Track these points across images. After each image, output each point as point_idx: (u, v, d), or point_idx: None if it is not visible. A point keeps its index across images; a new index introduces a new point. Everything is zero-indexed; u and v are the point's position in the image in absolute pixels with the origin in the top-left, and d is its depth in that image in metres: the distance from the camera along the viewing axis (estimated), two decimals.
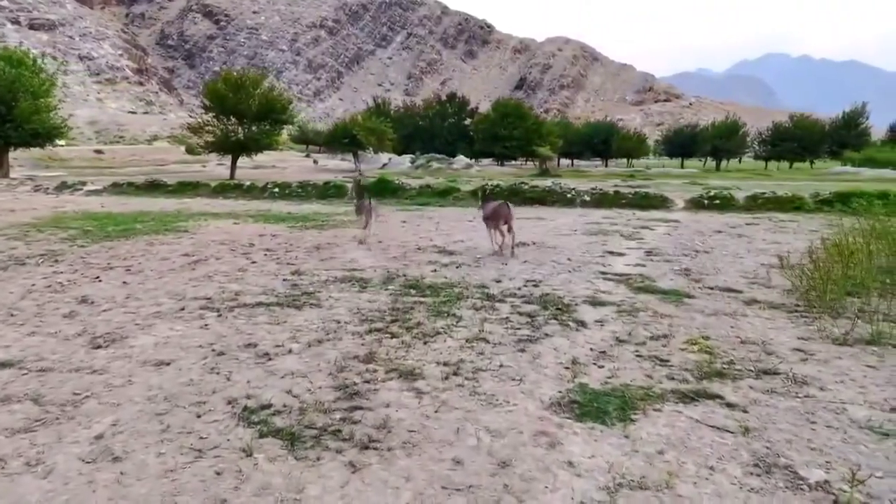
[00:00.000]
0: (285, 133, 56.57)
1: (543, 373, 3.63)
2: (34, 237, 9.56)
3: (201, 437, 2.76)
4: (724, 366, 3.81)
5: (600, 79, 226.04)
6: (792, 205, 15.61)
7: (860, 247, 6.27)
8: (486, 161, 63.16)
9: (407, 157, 51.84)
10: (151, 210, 14.33)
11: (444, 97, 70.43)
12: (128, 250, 8.30)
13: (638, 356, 3.98)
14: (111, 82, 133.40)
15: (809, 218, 14.10)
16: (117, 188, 19.92)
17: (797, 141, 63.63)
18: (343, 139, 47.36)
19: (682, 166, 66.31)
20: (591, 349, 4.11)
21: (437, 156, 49.57)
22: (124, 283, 6.19)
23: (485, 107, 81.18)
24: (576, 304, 5.34)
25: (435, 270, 6.90)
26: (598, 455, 2.66)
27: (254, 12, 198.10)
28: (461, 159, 47.89)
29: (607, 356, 3.97)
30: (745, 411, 3.15)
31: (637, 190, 17.02)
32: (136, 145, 64.89)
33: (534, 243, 9.15)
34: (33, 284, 6.10)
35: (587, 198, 16.66)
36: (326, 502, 2.29)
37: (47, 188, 20.49)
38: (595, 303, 5.42)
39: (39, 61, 31.05)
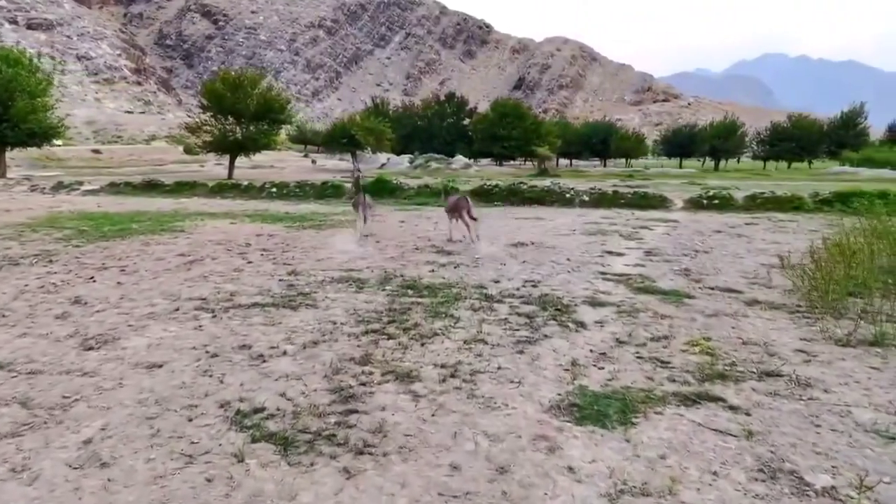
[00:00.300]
0: (283, 133, 56.52)
1: (542, 375, 3.57)
2: (29, 237, 9.48)
3: (192, 442, 2.69)
4: (726, 367, 3.75)
5: (599, 79, 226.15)
6: (791, 205, 15.57)
7: (862, 246, 6.21)
8: (484, 161, 63.09)
9: (405, 157, 51.77)
10: (148, 210, 14.25)
11: (442, 97, 70.37)
12: (123, 250, 8.22)
13: (638, 358, 3.92)
14: (109, 82, 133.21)
15: (809, 218, 14.05)
16: (114, 188, 19.83)
17: (795, 141, 63.67)
18: (341, 139, 47.32)
19: (681, 166, 66.27)
20: (591, 351, 4.04)
21: (436, 156, 49.51)
22: (118, 283, 6.12)
23: (483, 107, 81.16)
24: (575, 305, 5.27)
25: (433, 270, 6.83)
26: (599, 460, 2.60)
27: (252, 12, 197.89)
28: (460, 159, 47.83)
29: (607, 358, 3.91)
30: (748, 414, 3.09)
31: (636, 190, 16.97)
32: (134, 145, 64.76)
33: (532, 243, 9.08)
34: (26, 285, 6.02)
35: (586, 198, 16.60)
36: None
37: (44, 188, 20.39)
38: (595, 303, 5.36)
39: (36, 60, 30.97)
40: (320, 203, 16.91)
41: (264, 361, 3.77)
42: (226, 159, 33.48)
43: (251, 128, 32.29)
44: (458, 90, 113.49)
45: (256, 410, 3.03)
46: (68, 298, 5.46)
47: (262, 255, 7.92)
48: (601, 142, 70.56)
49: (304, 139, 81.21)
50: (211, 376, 3.51)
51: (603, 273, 6.87)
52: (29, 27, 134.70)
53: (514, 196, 16.92)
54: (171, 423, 2.89)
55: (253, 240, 9.36)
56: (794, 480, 2.46)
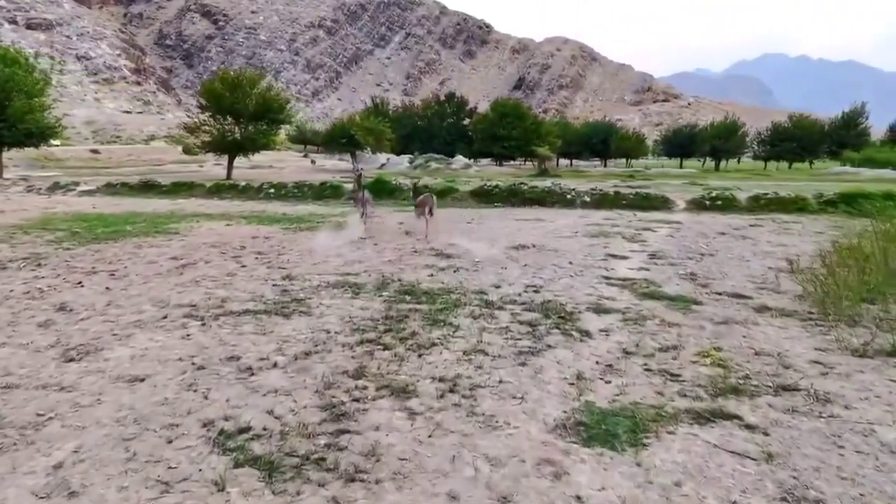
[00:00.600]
0: (283, 133, 56.31)
1: (546, 390, 3.37)
2: (20, 239, 9.29)
3: (170, 467, 2.50)
4: (740, 381, 3.56)
5: (599, 79, 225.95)
6: (795, 206, 15.38)
7: (875, 250, 6.02)
8: (484, 161, 62.90)
9: (405, 158, 51.56)
10: (144, 211, 14.06)
11: (442, 97, 70.14)
12: (115, 253, 8.03)
13: (647, 370, 3.73)
14: (109, 82, 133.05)
15: (813, 219, 13.87)
16: (111, 188, 19.64)
17: (796, 141, 63.48)
18: (341, 139, 47.17)
19: (681, 166, 66.09)
20: (597, 362, 3.85)
21: (436, 156, 49.30)
22: (107, 288, 5.92)
23: (483, 107, 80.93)
24: (579, 312, 5.08)
25: (432, 275, 6.64)
26: (609, 487, 2.40)
27: (252, 12, 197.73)
28: (459, 159, 47.63)
29: (614, 370, 3.71)
30: (766, 434, 2.90)
31: (637, 190, 16.78)
32: (133, 145, 64.55)
33: (533, 246, 8.89)
34: (11, 290, 5.83)
35: (587, 198, 16.41)
36: None
37: (40, 188, 20.20)
38: (599, 310, 5.17)
39: (33, 60, 30.77)
40: (318, 204, 16.72)
41: (253, 375, 3.58)
42: (225, 159, 33.27)
43: (250, 128, 32.11)
44: (458, 90, 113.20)
45: (241, 430, 2.83)
46: (53, 305, 5.26)
47: (256, 258, 7.73)
48: (601, 142, 70.35)
49: (304, 139, 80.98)
50: (195, 391, 3.31)
51: (607, 277, 6.67)
52: (28, 27, 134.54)
53: (514, 197, 16.73)
54: (150, 445, 2.70)
55: (248, 242, 9.16)
56: None
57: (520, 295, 5.73)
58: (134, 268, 7.04)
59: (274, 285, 6.11)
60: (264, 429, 2.84)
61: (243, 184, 19.28)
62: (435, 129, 62.09)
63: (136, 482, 2.39)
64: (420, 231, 9.97)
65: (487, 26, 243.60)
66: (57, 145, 52.47)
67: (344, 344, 4.14)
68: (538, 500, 2.30)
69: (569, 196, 16.57)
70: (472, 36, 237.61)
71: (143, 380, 3.49)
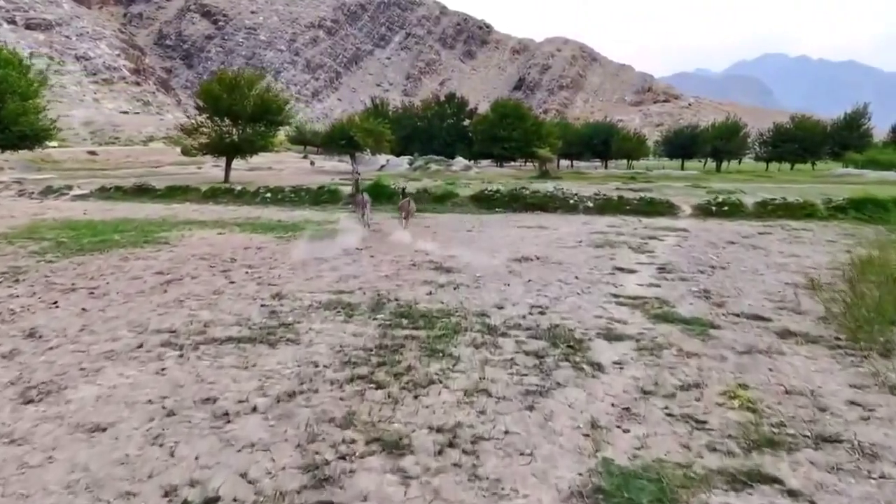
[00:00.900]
0: (283, 134, 55.91)
1: (558, 443, 2.99)
2: (1, 251, 8.91)
3: None
4: (774, 429, 3.18)
5: (599, 79, 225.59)
6: (804, 212, 14.99)
7: None
8: (484, 162, 62.53)
9: (405, 159, 51.18)
10: (136, 218, 13.67)
11: (442, 97, 69.71)
12: (98, 267, 7.65)
13: (669, 415, 3.35)
14: (108, 82, 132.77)
15: (823, 226, 13.50)
16: (104, 192, 19.26)
17: (798, 142, 63.10)
18: (340, 141, 46.83)
19: (683, 167, 65.65)
20: (613, 404, 3.47)
21: (436, 157, 48.92)
22: (83, 310, 5.55)
23: (484, 107, 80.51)
24: (589, 339, 4.70)
25: (430, 293, 6.26)
26: None
27: (252, 12, 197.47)
28: (460, 161, 47.24)
29: (632, 415, 3.34)
30: (811, 503, 2.52)
31: (642, 195, 16.40)
32: (132, 146, 64.19)
33: (537, 258, 8.51)
34: None
35: (590, 204, 16.03)
36: None
37: (32, 192, 19.83)
38: (610, 336, 4.79)
39: (27, 61, 30.34)
40: (315, 209, 16.34)
41: (229, 422, 3.20)
42: (223, 161, 32.90)
43: (248, 129, 31.74)
44: (458, 90, 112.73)
45: (208, 502, 2.45)
46: (23, 330, 4.89)
47: (246, 272, 7.34)
48: (602, 143, 70.00)
49: (304, 140, 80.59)
50: (161, 445, 2.93)
51: (615, 295, 6.30)
52: (28, 27, 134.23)
53: (515, 202, 16.35)
54: None
55: (240, 253, 8.78)
56: None
57: (524, 317, 5.36)
58: (116, 284, 6.67)
59: (262, 305, 5.74)
60: (235, 500, 2.47)
61: (239, 188, 18.90)
62: (435, 130, 61.67)
63: None
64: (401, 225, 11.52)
65: (487, 26, 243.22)
66: (54, 146, 52.11)
67: (333, 381, 3.76)
68: None
69: (571, 201, 16.19)
70: (473, 36, 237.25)
71: (105, 429, 3.11)
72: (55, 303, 5.80)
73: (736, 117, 70.36)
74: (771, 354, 4.45)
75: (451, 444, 2.95)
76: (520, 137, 55.29)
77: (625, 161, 73.44)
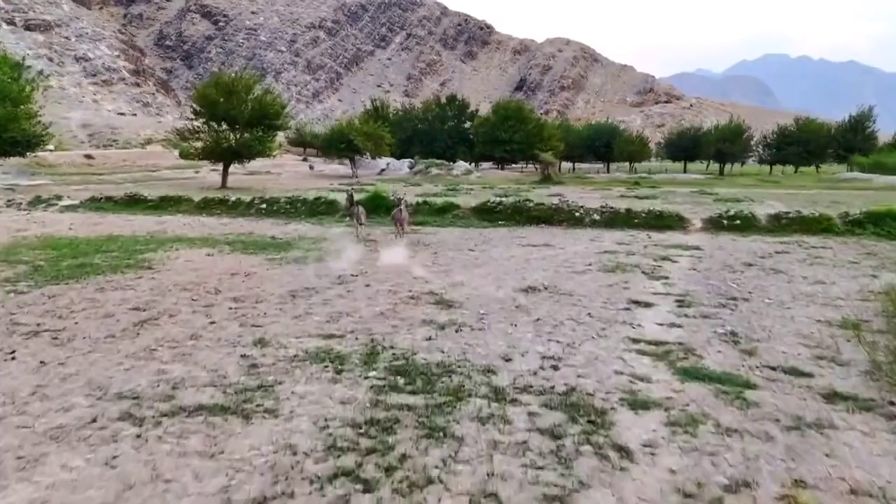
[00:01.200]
0: (282, 136, 55.29)
1: None
2: None
3: None
4: None
5: (600, 80, 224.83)
6: (819, 226, 14.38)
7: None
8: (486, 164, 62.01)
9: (405, 162, 50.66)
10: (122, 233, 13.10)
11: (443, 99, 69.10)
12: (71, 301, 7.06)
13: None
14: (108, 83, 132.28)
15: (842, 242, 12.91)
16: (95, 203, 18.68)
17: (802, 145, 62.43)
18: (340, 144, 46.22)
19: (685, 170, 64.97)
20: None
21: (437, 161, 48.35)
22: (41, 363, 4.95)
23: (485, 108, 79.95)
24: (611, 408, 4.10)
25: (430, 338, 5.66)
26: None
27: (252, 13, 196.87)
28: (461, 165, 46.69)
29: None
30: None
31: (650, 209, 15.79)
32: (129, 150, 63.60)
33: (545, 288, 7.91)
34: None
35: (597, 217, 15.44)
36: None
37: (21, 203, 19.25)
38: (636, 403, 4.18)
39: (22, 61, 29.76)
40: (311, 222, 15.76)
41: None
42: (221, 165, 32.36)
43: (245, 134, 31.19)
44: (459, 91, 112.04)
45: None
46: None
47: (230, 309, 6.74)
48: (604, 145, 69.40)
49: (304, 142, 80.00)
50: None
51: (634, 340, 5.70)
52: (27, 28, 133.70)
53: (519, 215, 15.76)
54: None
55: (226, 282, 8.19)
56: None
57: (535, 373, 4.76)
58: (86, 324, 6.08)
59: (242, 356, 5.14)
60: None
61: (233, 199, 18.31)
62: (436, 133, 61.10)
63: None
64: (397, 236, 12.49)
65: (488, 27, 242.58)
66: (51, 150, 51.62)
67: (312, 478, 3.16)
68: None
69: (577, 214, 15.59)
70: (474, 37, 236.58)
71: None
72: (13, 353, 5.20)
73: (738, 118, 69.69)
74: (822, 430, 3.85)
75: None
76: (521, 140, 54.81)
77: (627, 163, 72.69)
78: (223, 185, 30.20)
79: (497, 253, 10.92)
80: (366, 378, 4.61)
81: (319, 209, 17.12)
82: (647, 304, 7.15)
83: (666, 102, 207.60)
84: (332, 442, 3.56)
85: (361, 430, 3.72)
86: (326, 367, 4.86)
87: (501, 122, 55.56)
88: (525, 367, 4.90)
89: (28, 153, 28.88)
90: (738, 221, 14.93)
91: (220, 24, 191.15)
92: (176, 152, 57.62)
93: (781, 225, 14.66)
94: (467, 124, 62.69)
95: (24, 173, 37.11)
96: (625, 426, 3.83)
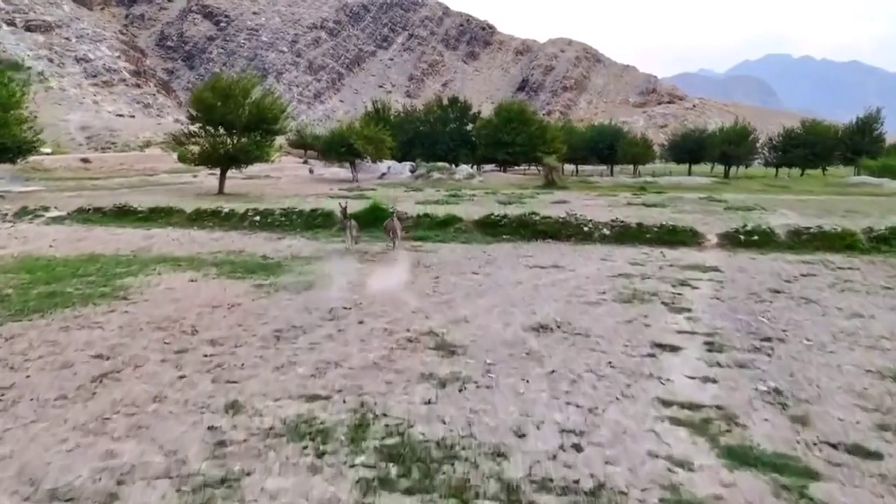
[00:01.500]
0: (282, 138, 54.52)
1: None
2: None
3: None
4: None
5: (603, 80, 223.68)
6: (843, 242, 13.61)
7: None
8: (488, 167, 61.26)
9: (407, 165, 49.91)
10: (105, 251, 12.36)
11: (445, 100, 68.30)
12: (30, 344, 6.32)
13: None
14: (108, 84, 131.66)
15: (868, 262, 12.14)
16: (82, 214, 17.93)
17: (809, 147, 61.52)
18: (340, 148, 45.46)
19: (690, 172, 64.03)
20: None
21: (439, 164, 47.59)
22: None
23: (487, 109, 79.21)
24: None
25: (429, 402, 4.90)
26: None
27: (254, 13, 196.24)
28: (463, 169, 45.90)
29: None
30: None
31: (662, 223, 15.01)
32: (128, 153, 62.88)
33: (558, 326, 7.14)
34: None
35: (607, 231, 14.67)
36: None
37: (6, 214, 18.52)
38: None
39: (22, 64, 29.10)
40: (307, 236, 15.01)
41: None
42: (219, 170, 31.64)
43: (243, 139, 30.46)
44: (460, 92, 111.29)
45: None
46: None
47: (205, 357, 5.98)
48: (608, 147, 68.51)
49: (304, 144, 79.22)
50: None
51: (666, 403, 4.93)
52: (28, 29, 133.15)
53: (524, 229, 15.00)
54: None
55: (205, 317, 7.43)
56: None
57: (555, 457, 3.99)
58: (38, 379, 5.34)
59: (210, 427, 4.39)
60: None
61: (226, 210, 17.55)
62: (437, 135, 60.33)
63: None
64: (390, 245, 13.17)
65: (490, 27, 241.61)
66: (48, 153, 50.99)
67: None
68: None
69: (586, 228, 14.83)
70: (476, 37, 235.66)
71: None
72: None
73: (741, 119, 68.74)
74: None
75: None
76: (524, 142, 54.15)
77: (630, 166, 71.75)
78: (220, 191, 29.50)
79: (503, 277, 10.16)
80: (352, 466, 3.85)
81: (316, 222, 16.38)
82: (674, 349, 6.38)
83: (669, 103, 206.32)
84: None
85: None
86: (306, 447, 4.10)
87: (504, 123, 54.83)
88: (542, 447, 4.13)
89: (19, 159, 28.07)
90: (755, 237, 14.15)
91: (222, 24, 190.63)
92: (175, 155, 56.90)
93: (802, 241, 13.88)
94: (469, 126, 61.91)
95: (18, 179, 36.39)
96: None
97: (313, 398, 4.95)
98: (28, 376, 5.42)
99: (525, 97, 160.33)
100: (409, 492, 3.56)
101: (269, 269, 10.67)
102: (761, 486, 3.69)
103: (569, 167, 71.13)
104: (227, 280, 9.72)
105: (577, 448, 4.14)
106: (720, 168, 66.83)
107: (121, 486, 3.61)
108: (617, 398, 5.03)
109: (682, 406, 4.87)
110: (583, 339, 6.64)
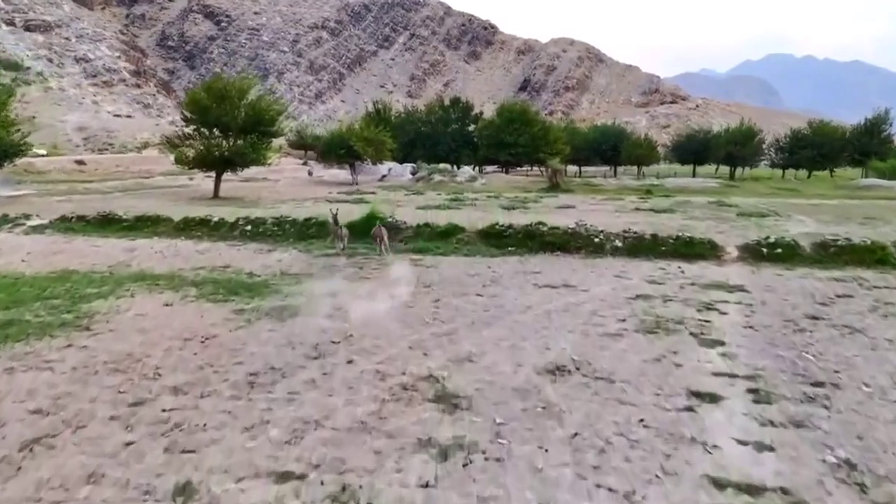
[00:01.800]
0: (281, 139, 53.61)
1: None
2: None
3: None
4: None
5: (605, 80, 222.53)
6: (873, 256, 12.66)
7: None
8: (490, 168, 60.38)
9: (408, 167, 49.00)
10: (81, 267, 11.46)
11: (447, 100, 67.36)
12: None
13: None
14: (108, 84, 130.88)
15: None
16: (64, 223, 17.04)
17: (816, 148, 60.50)
18: (339, 149, 44.58)
19: (694, 174, 63.04)
20: None
21: (440, 166, 46.65)
22: None
23: (489, 109, 78.36)
24: None
25: (427, 485, 3.98)
26: None
27: (255, 13, 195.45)
28: (465, 171, 44.93)
29: None
30: None
31: (678, 234, 14.06)
32: (125, 154, 62.00)
33: (577, 367, 6.20)
34: None
35: (619, 243, 13.73)
36: None
37: None
38: None
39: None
40: (299, 248, 14.08)
41: None
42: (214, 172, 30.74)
43: (239, 142, 29.56)
44: (462, 91, 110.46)
45: None
46: None
47: (163, 412, 5.07)
48: (611, 148, 67.56)
49: (304, 144, 78.38)
50: None
51: (718, 484, 4.01)
52: (27, 29, 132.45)
53: (531, 240, 14.07)
54: None
55: (174, 355, 6.51)
56: None
57: None
58: None
59: None
60: None
61: (216, 219, 16.63)
62: (439, 135, 59.41)
63: None
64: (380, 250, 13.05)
65: (492, 27, 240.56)
66: (43, 154, 50.19)
67: None
68: None
69: (597, 240, 13.89)
70: (477, 37, 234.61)
71: None
72: None
73: (745, 119, 67.63)
74: None
75: None
76: (527, 143, 53.33)
77: (634, 167, 70.72)
78: (216, 195, 28.65)
79: (510, 299, 9.22)
80: None
81: (309, 231, 15.46)
82: (713, 398, 5.46)
83: (671, 103, 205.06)
84: None
85: None
86: None
87: (506, 124, 53.98)
88: None
89: (6, 163, 27.19)
90: (778, 250, 13.20)
91: (223, 24, 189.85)
92: (172, 157, 56.06)
93: (829, 254, 12.94)
94: (471, 127, 61.00)
95: (10, 181, 35.49)
96: None
97: (284, 477, 4.04)
98: None
99: (527, 97, 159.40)
100: None
101: (254, 289, 9.74)
102: None
103: (572, 168, 70.23)
104: (207, 304, 8.79)
105: None
106: (725, 169, 65.76)
107: None
108: (657, 476, 4.11)
109: (740, 489, 3.95)
110: (606, 386, 5.71)
